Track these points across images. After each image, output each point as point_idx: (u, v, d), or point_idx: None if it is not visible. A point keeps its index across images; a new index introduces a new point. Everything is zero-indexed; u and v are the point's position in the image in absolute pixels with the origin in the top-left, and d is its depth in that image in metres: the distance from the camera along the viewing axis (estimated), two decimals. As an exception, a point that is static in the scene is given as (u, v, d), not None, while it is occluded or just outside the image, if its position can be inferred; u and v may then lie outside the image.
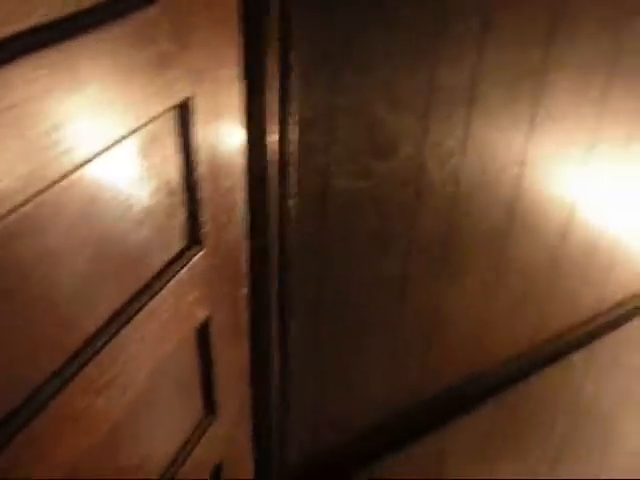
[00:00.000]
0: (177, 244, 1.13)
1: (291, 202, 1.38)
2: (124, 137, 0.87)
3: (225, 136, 1.15)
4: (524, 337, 2.13)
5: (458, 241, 1.74)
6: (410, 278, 1.72)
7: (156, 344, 1.13)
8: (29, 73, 0.65)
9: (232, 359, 1.41)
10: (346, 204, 1.51)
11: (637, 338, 2.47)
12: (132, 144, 0.91)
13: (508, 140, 1.65)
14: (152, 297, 1.07)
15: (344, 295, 1.63)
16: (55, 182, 0.74)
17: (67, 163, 0.75)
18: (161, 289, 1.09)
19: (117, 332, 0.98)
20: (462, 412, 2.06)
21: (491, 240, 1.81)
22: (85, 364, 0.91)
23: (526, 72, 1.57)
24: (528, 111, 1.64)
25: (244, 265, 1.34)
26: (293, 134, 1.30)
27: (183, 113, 1.01)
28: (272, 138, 1.26)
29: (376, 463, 1.93)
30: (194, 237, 1.15)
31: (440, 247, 1.72)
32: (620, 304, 2.35)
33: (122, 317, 1.00)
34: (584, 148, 1.82)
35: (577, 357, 2.28)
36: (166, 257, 1.11)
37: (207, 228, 1.16)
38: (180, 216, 1.11)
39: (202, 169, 1.10)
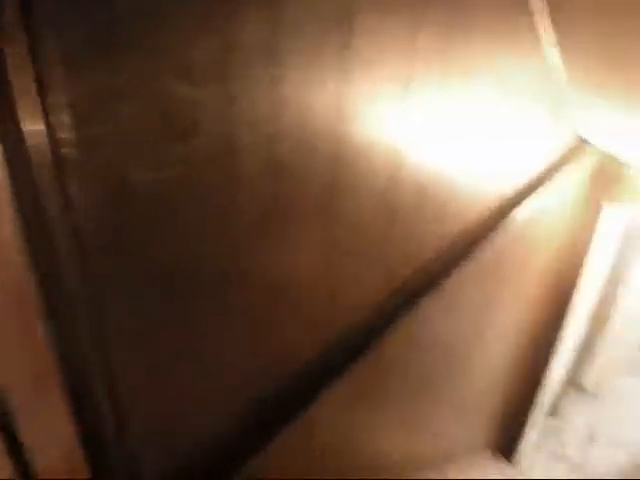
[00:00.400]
0: None
1: (78, 208, 1.14)
2: None
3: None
4: (371, 293, 2.07)
5: (285, 208, 1.61)
6: (237, 258, 1.56)
7: None
8: None
9: (44, 410, 1.18)
10: (150, 196, 1.30)
11: (474, 273, 2.49)
12: None
13: (322, 92, 1.53)
14: None
15: (164, 293, 1.44)
16: None
17: None
18: None
19: None
20: (323, 384, 1.97)
21: (319, 199, 1.70)
22: None
23: (331, 19, 1.44)
24: (338, 59, 1.52)
25: (35, 302, 1.10)
26: (65, 131, 1.06)
27: None
28: (37, 140, 1.01)
29: (246, 459, 1.79)
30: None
31: (266, 218, 1.58)
32: (456, 241, 2.35)
33: None
34: (400, 88, 1.75)
35: (424, 303, 2.26)
36: None
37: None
38: None
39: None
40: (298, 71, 1.44)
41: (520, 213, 2.61)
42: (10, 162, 0.98)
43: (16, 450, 1.09)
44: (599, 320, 5.18)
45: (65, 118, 1.04)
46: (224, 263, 1.53)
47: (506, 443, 4.29)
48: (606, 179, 3.27)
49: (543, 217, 2.92)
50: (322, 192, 1.69)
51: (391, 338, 2.17)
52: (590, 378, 5.70)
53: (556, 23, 2.09)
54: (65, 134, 1.05)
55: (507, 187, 2.56)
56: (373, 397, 2.37)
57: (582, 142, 3.04)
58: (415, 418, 2.85)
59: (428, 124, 1.94)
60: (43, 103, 0.99)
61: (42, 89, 0.98)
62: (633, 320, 5.38)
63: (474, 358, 3.12)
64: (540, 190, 2.74)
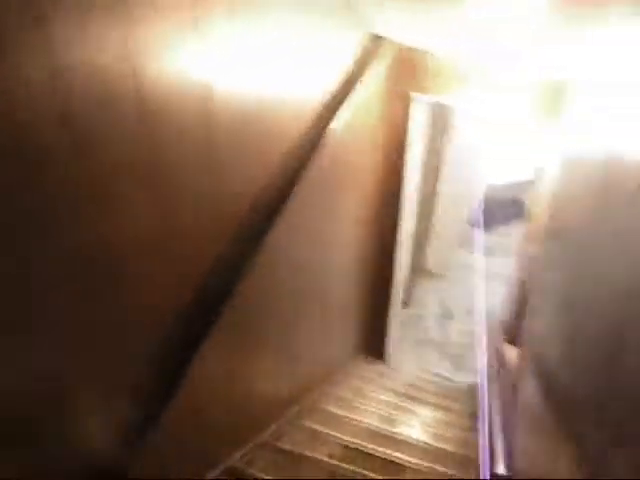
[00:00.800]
0: None
1: None
2: None
3: None
4: (213, 241, 1.93)
5: (102, 173, 1.40)
6: (78, 236, 1.35)
7: None
8: None
9: None
10: None
11: (309, 191, 2.42)
12: None
13: (112, 44, 1.33)
14: None
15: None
16: None
17: None
18: None
19: None
20: (191, 346, 1.84)
21: (132, 155, 1.50)
22: None
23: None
24: (122, 4, 1.32)
25: None
26: None
27: None
28: None
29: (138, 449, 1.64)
30: None
31: (90, 190, 1.37)
32: (284, 164, 2.27)
33: None
34: (192, 21, 1.58)
35: (267, 236, 2.16)
36: None
37: None
38: None
39: None
40: (76, 27, 1.23)
41: (337, 121, 2.57)
42: None
43: None
44: (428, 202, 5.44)
45: None
46: (62, 248, 1.33)
47: (376, 344, 4.46)
48: (410, 70, 3.33)
49: (359, 119, 2.92)
50: (132, 146, 1.50)
51: (246, 282, 2.07)
52: (431, 260, 6.03)
53: None
54: None
55: (321, 98, 2.49)
56: (246, 345, 2.28)
57: (383, 40, 3.04)
58: (291, 349, 2.81)
59: (231, 53, 1.80)
60: None
61: None
62: (455, 195, 5.71)
63: (330, 276, 3.12)
64: (352, 93, 2.71)
